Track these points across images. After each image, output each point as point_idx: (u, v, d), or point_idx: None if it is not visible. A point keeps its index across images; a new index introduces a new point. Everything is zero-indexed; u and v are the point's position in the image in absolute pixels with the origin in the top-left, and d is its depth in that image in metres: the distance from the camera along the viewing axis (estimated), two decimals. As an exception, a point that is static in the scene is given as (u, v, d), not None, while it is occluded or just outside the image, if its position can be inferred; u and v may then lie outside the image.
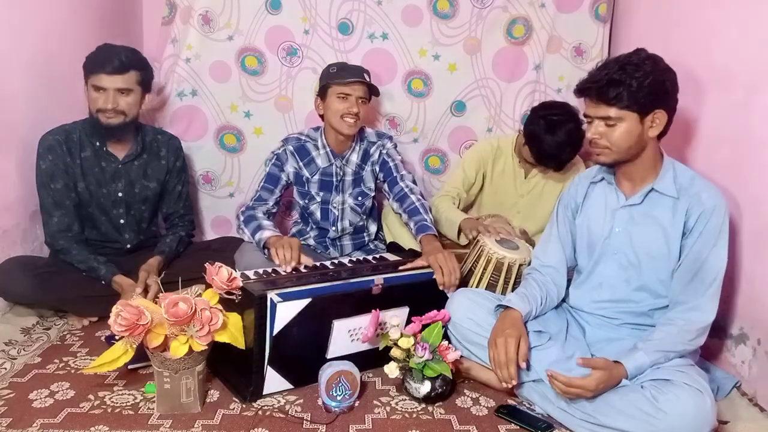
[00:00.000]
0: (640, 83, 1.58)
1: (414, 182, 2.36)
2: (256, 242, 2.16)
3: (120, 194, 2.29)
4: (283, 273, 1.90)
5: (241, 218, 2.26)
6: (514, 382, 1.63)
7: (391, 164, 2.38)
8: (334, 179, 2.37)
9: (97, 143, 2.24)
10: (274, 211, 2.37)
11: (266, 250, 2.10)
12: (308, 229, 2.48)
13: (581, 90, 1.68)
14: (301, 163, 2.35)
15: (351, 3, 2.70)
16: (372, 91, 2.33)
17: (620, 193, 1.75)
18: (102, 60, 2.11)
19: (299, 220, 2.53)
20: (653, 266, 1.70)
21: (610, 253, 1.76)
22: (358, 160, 2.40)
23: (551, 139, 2.20)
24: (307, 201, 2.40)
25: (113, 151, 2.27)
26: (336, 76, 2.26)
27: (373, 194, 2.46)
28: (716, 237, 1.62)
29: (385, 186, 2.39)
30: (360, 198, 2.42)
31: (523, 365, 1.64)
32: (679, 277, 1.66)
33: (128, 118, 2.19)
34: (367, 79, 2.27)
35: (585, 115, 1.71)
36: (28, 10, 2.23)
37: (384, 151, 2.40)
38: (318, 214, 2.41)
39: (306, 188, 2.38)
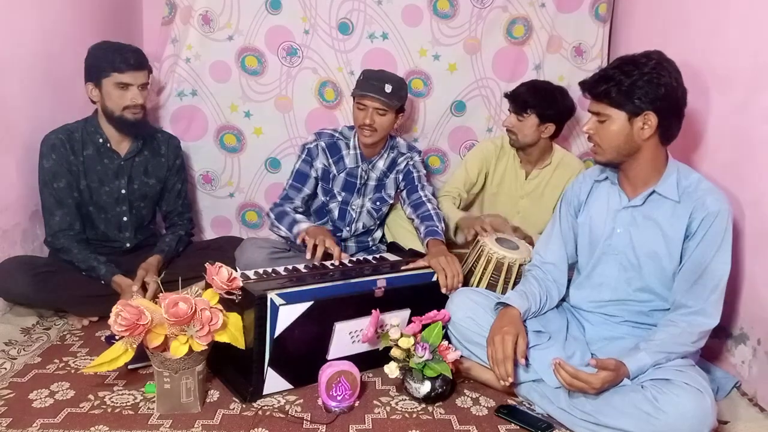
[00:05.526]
0: (632, 82, 1.57)
1: (433, 194, 2.38)
2: (293, 236, 2.16)
3: (123, 191, 2.31)
4: (283, 273, 1.90)
5: (272, 216, 2.27)
6: (511, 380, 1.62)
7: (414, 174, 2.39)
8: (358, 182, 2.38)
9: (100, 140, 2.25)
10: (301, 210, 2.36)
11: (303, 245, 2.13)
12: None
13: (581, 83, 1.70)
14: (330, 160, 2.36)
15: (351, 3, 2.70)
16: (397, 99, 2.24)
17: (623, 194, 1.74)
18: (122, 58, 2.13)
19: (310, 216, 2.53)
20: (653, 268, 1.69)
21: (612, 253, 1.75)
22: (384, 167, 2.41)
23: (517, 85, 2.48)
24: (328, 198, 2.41)
25: (116, 148, 2.28)
26: (357, 85, 2.27)
27: (391, 201, 2.47)
28: (720, 242, 1.60)
29: (404, 193, 2.40)
30: (378, 203, 2.44)
31: (522, 361, 1.64)
32: (682, 279, 1.65)
33: (145, 113, 2.26)
34: (387, 92, 2.19)
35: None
36: (28, 10, 2.23)
37: (411, 163, 2.41)
38: (336, 213, 2.42)
39: (330, 185, 2.39)
